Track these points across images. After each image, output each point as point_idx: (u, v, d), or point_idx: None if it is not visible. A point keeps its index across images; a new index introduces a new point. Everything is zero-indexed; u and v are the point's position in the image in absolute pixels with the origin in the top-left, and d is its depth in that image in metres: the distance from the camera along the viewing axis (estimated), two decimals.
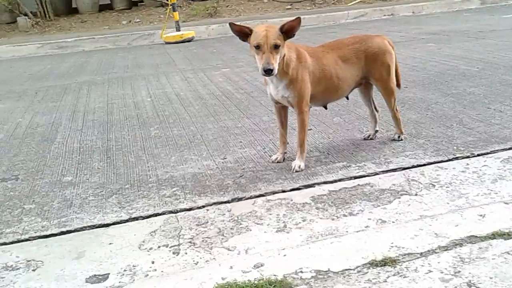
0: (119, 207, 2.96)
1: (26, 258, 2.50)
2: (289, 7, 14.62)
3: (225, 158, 3.62)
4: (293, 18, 2.99)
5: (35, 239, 2.68)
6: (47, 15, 13.50)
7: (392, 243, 2.35)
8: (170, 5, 10.85)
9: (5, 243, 2.66)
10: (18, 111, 5.25)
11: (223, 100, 5.30)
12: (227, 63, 7.56)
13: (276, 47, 2.93)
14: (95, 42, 11.28)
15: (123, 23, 13.73)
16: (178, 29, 10.94)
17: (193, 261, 2.38)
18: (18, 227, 2.80)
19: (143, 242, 2.58)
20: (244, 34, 3.01)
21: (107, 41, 11.41)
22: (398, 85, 3.61)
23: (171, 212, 2.89)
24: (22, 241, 2.68)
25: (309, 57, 3.17)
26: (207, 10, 13.80)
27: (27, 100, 5.72)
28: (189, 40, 10.92)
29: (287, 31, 2.99)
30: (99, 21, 14.00)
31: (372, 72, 3.41)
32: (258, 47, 2.94)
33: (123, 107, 5.22)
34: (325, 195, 2.95)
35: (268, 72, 2.91)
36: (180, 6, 13.41)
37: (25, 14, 13.32)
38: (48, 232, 2.73)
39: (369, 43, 3.39)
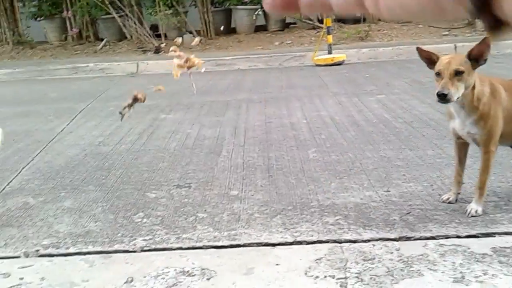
0: (284, 228, 3.01)
1: (201, 266, 2.67)
2: (446, 33, 13.75)
3: (389, 191, 3.48)
4: (480, 40, 2.74)
5: (208, 248, 2.86)
6: (209, 34, 14.71)
7: None
8: (325, 28, 10.99)
9: (181, 248, 2.89)
10: (187, 122, 5.76)
11: (381, 128, 5.13)
12: (381, 89, 7.36)
13: (458, 73, 2.71)
14: (249, 61, 11.93)
15: (275, 44, 14.31)
16: (330, 52, 11.01)
17: None
18: (193, 234, 3.01)
19: (309, 268, 2.58)
20: (431, 60, 2.86)
21: (260, 60, 11.98)
22: None
23: (335, 241, 2.84)
24: (197, 248, 2.88)
25: (504, 91, 2.89)
26: (358, 34, 13.66)
27: (194, 112, 6.25)
28: (339, 64, 10.91)
29: (477, 57, 2.75)
30: (254, 41, 14.79)
31: None
32: (438, 74, 2.76)
33: (280, 126, 5.38)
34: (508, 247, 2.64)
35: (441, 97, 2.69)
36: (332, 29, 13.52)
37: (190, 32, 14.70)
38: (220, 243, 2.89)
39: None
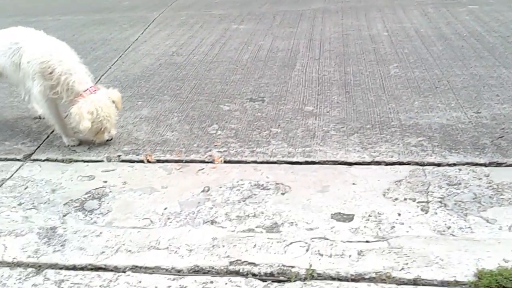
0: (361, 147, 2.89)
1: (275, 180, 2.65)
2: None
3: (479, 112, 3.18)
4: None
5: (282, 163, 2.82)
6: None
7: None
8: None
9: (255, 162, 2.87)
10: (259, 33, 5.54)
11: (472, 42, 4.64)
12: None
13: None
14: None
15: None
16: None
17: (445, 224, 2.18)
18: (267, 149, 2.98)
19: (388, 190, 2.47)
20: None
21: None
22: None
23: (417, 163, 2.69)
24: (271, 163, 2.85)
25: None
26: None
27: (267, 23, 5.99)
28: None
29: None
30: None
31: None
32: None
33: (359, 39, 5.03)
34: None
35: None
36: None
37: None
38: (294, 159, 2.84)
39: None
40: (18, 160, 3.04)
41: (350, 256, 1.84)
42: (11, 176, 2.84)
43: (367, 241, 1.97)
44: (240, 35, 5.51)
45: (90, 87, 3.04)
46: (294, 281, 1.73)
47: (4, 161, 3.03)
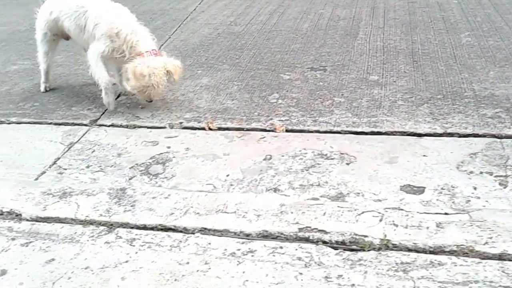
0: (432, 118, 2.73)
1: (340, 150, 2.57)
2: None
3: None
4: None
5: (346, 134, 2.73)
6: None
7: None
8: None
9: (318, 131, 2.79)
10: (319, 2, 5.36)
11: None
12: None
13: None
14: None
15: None
16: None
17: None
18: (330, 118, 2.89)
19: (462, 163, 2.33)
20: None
21: None
22: None
23: (494, 136, 2.51)
24: (334, 132, 2.76)
25: None
26: None
27: None
28: None
29: None
30: None
31: None
32: None
33: (426, 7, 4.75)
34: None
35: None
36: None
37: None
38: (359, 129, 2.73)
39: None
40: (85, 125, 3.13)
41: (428, 227, 1.74)
42: (78, 140, 2.93)
43: (445, 213, 1.86)
44: (299, 4, 5.36)
45: (152, 50, 3.11)
46: (368, 250, 1.66)
47: (71, 125, 3.13)
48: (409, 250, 1.67)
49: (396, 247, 1.69)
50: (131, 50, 3.08)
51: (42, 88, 3.70)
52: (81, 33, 3.24)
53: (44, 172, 2.60)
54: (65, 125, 3.14)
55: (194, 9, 5.56)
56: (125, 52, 3.08)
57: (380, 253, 1.65)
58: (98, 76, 3.21)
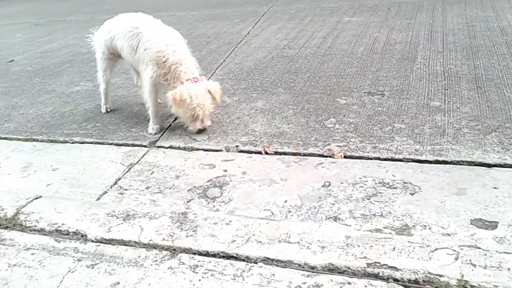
0: (502, 148, 2.60)
1: (403, 179, 2.48)
2: None
3: None
4: None
5: (409, 162, 2.63)
6: None
7: None
8: None
9: (379, 158, 2.71)
10: (374, 25, 5.31)
11: None
12: None
13: None
14: None
15: None
16: None
17: None
18: (391, 145, 2.80)
19: None
20: None
21: None
22: None
23: None
24: (396, 160, 2.67)
25: None
26: None
27: (381, 15, 5.72)
28: None
29: None
30: None
31: None
32: None
33: (487, 31, 4.59)
34: None
35: None
36: None
37: None
38: (423, 158, 2.63)
39: None
40: (144, 146, 3.20)
41: (509, 269, 1.62)
42: (138, 161, 2.99)
43: None
44: (353, 28, 5.32)
45: (193, 77, 3.18)
46: None
47: (131, 146, 3.21)
48: None
49: None
50: (175, 79, 3.17)
51: (103, 109, 3.85)
52: (132, 52, 3.36)
53: (105, 192, 2.66)
54: (125, 145, 3.23)
55: (248, 33, 5.64)
56: (170, 80, 3.19)
57: None
58: (149, 104, 3.36)
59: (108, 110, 3.84)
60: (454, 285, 1.58)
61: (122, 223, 2.12)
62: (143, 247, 1.98)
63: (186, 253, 1.90)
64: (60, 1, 11.34)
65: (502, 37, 4.38)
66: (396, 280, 1.64)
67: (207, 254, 1.88)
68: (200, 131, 3.25)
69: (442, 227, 2.06)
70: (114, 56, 3.65)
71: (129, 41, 3.35)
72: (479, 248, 1.76)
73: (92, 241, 2.04)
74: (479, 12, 5.33)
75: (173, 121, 3.49)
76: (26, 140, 3.47)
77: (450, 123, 2.95)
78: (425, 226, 2.09)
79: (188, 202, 2.49)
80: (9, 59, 5.80)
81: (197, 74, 3.24)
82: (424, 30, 4.87)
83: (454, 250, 1.74)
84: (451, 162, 2.56)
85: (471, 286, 1.57)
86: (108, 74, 3.75)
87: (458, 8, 5.60)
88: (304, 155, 2.86)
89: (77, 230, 2.12)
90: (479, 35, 4.51)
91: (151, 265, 1.84)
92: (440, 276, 1.61)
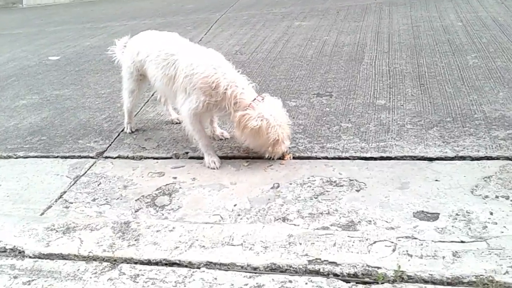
0: (442, 142, 2.67)
1: (349, 177, 2.51)
2: None
3: None
4: None
5: (355, 159, 2.68)
6: None
7: None
8: None
9: (326, 158, 2.74)
10: (323, 29, 5.40)
11: None
12: None
13: None
14: None
15: None
16: None
17: None
18: (338, 144, 2.84)
19: (476, 187, 2.26)
20: None
21: None
22: None
23: (508, 158, 2.44)
24: (343, 158, 2.71)
25: None
26: None
27: (330, 18, 5.83)
28: None
29: None
30: None
31: None
32: None
33: (430, 30, 4.75)
34: None
35: None
36: None
37: None
38: (368, 155, 2.68)
39: None
40: (91, 157, 3.11)
41: (443, 257, 1.66)
42: (85, 173, 2.91)
43: (462, 241, 1.77)
44: (303, 32, 5.40)
45: (257, 97, 2.71)
46: (382, 283, 1.58)
47: (78, 158, 3.12)
48: (425, 282, 1.59)
49: (412, 279, 1.60)
50: (236, 106, 2.67)
51: (127, 130, 3.40)
52: (169, 83, 2.86)
53: (50, 207, 2.57)
54: (71, 158, 3.13)
55: (200, 40, 5.62)
56: (228, 108, 2.68)
57: (394, 285, 1.56)
58: (197, 138, 2.87)
59: (133, 130, 3.39)
60: (391, 276, 1.60)
61: (61, 237, 2.04)
62: (83, 260, 1.91)
63: (127, 263, 1.85)
64: (7, 14, 11.00)
65: (445, 35, 4.55)
66: (336, 275, 1.65)
67: (148, 262, 1.84)
68: (284, 156, 2.77)
69: (386, 221, 2.09)
70: (144, 77, 3.18)
71: (164, 71, 2.86)
72: (416, 238, 1.79)
73: (30, 257, 1.96)
74: (424, 12, 5.52)
75: (121, 131, 3.42)
76: None
77: (394, 120, 3.02)
78: (370, 221, 2.11)
79: (136, 212, 2.44)
80: None
81: (255, 92, 2.76)
82: (371, 32, 4.99)
83: (392, 242, 1.77)
84: (395, 158, 2.62)
85: (408, 276, 1.60)
86: (136, 95, 3.28)
87: (403, 9, 5.78)
88: (254, 158, 2.86)
89: (14, 246, 2.03)
90: (423, 34, 4.67)
91: (90, 277, 1.78)
92: (378, 268, 1.63)
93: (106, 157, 3.09)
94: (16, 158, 3.22)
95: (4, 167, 3.11)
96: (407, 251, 1.71)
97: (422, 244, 1.75)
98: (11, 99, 4.42)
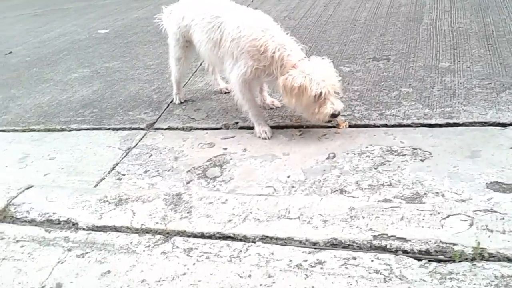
0: None
1: (412, 145, 2.33)
2: None
3: None
4: None
5: (418, 127, 2.48)
6: None
7: None
8: None
9: (386, 125, 2.56)
10: None
11: None
12: None
13: None
14: None
15: None
16: None
17: None
18: (398, 110, 2.64)
19: None
20: None
21: None
22: None
23: None
24: (404, 126, 2.52)
25: None
26: None
27: None
28: None
29: None
30: None
31: None
32: None
33: None
34: None
35: None
36: None
37: None
38: (432, 121, 2.47)
39: None
40: (142, 129, 3.08)
41: None
42: (136, 145, 2.88)
43: None
44: None
45: (304, 57, 2.55)
46: (459, 261, 1.43)
47: (129, 130, 3.10)
48: (510, 260, 1.42)
49: (493, 257, 1.43)
50: (283, 68, 2.51)
51: (176, 100, 3.31)
52: (215, 48, 2.73)
53: (103, 178, 2.57)
54: (123, 130, 3.12)
55: (248, 6, 5.44)
56: (276, 72, 2.54)
57: (474, 264, 1.40)
58: (246, 107, 2.75)
59: (182, 100, 3.30)
60: (470, 253, 1.44)
61: (114, 209, 2.02)
62: (136, 232, 1.88)
63: (180, 236, 1.79)
64: None
65: None
66: (405, 251, 1.51)
67: (202, 235, 1.77)
68: (334, 116, 2.49)
69: (456, 193, 1.91)
70: (190, 44, 3.02)
71: (209, 35, 2.72)
72: (496, 212, 1.61)
73: (84, 229, 1.95)
74: None
75: (170, 102, 3.37)
76: (23, 131, 3.39)
77: (461, 83, 2.76)
78: (437, 193, 1.94)
79: (187, 183, 2.38)
80: (7, 51, 5.71)
81: (304, 54, 2.58)
82: None
83: (468, 216, 1.59)
84: (463, 124, 2.40)
85: (489, 253, 1.43)
86: (184, 63, 3.16)
87: None
88: (307, 127, 2.72)
89: (68, 218, 2.03)
90: None
91: (144, 251, 1.74)
92: (454, 244, 1.47)
93: (157, 129, 3.05)
94: (70, 130, 3.25)
95: (58, 140, 3.15)
96: (486, 226, 1.53)
97: (503, 218, 1.56)
98: (63, 73, 4.48)
